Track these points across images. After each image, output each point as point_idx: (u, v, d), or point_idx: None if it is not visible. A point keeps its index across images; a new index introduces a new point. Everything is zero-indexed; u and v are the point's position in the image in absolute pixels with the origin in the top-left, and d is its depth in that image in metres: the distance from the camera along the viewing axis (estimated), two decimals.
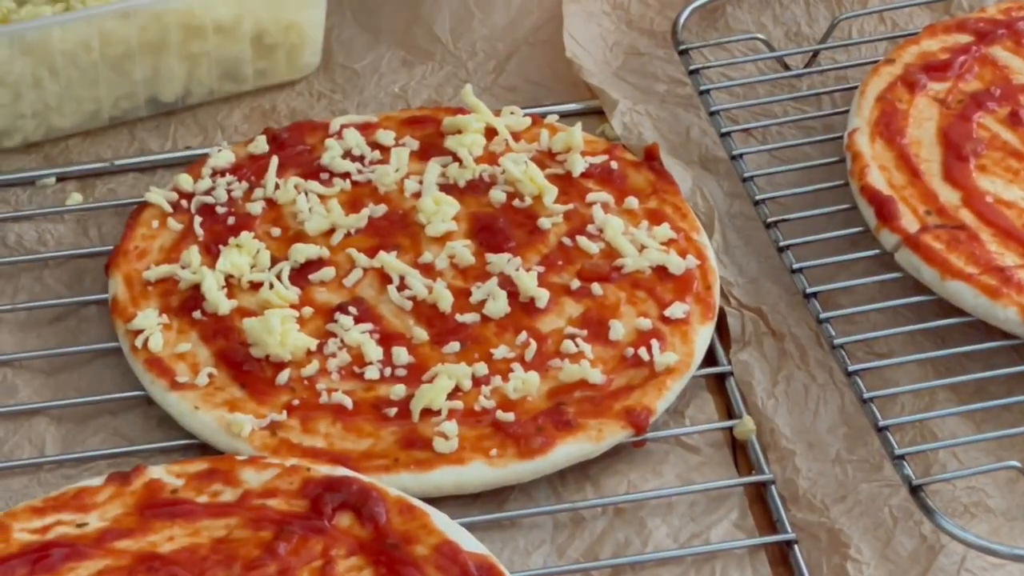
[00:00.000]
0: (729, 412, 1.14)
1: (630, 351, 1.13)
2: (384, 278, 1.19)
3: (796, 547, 1.05)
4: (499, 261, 1.19)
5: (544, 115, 1.31)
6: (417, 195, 1.24)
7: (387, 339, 1.15)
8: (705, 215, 1.25)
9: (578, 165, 1.25)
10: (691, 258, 1.19)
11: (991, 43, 1.30)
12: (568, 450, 1.09)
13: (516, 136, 1.28)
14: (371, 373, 1.13)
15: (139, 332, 1.15)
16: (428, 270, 1.19)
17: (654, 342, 1.13)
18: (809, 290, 1.17)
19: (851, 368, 1.12)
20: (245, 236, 1.21)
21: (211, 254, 1.20)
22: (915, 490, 1.04)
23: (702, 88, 1.33)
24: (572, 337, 1.14)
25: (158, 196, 1.24)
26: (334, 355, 1.14)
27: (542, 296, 1.16)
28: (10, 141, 1.32)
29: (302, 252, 1.20)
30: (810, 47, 1.38)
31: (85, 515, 1.03)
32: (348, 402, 1.11)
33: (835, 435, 1.11)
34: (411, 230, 1.22)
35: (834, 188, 1.24)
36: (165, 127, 1.35)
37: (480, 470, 1.08)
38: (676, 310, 1.16)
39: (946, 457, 1.08)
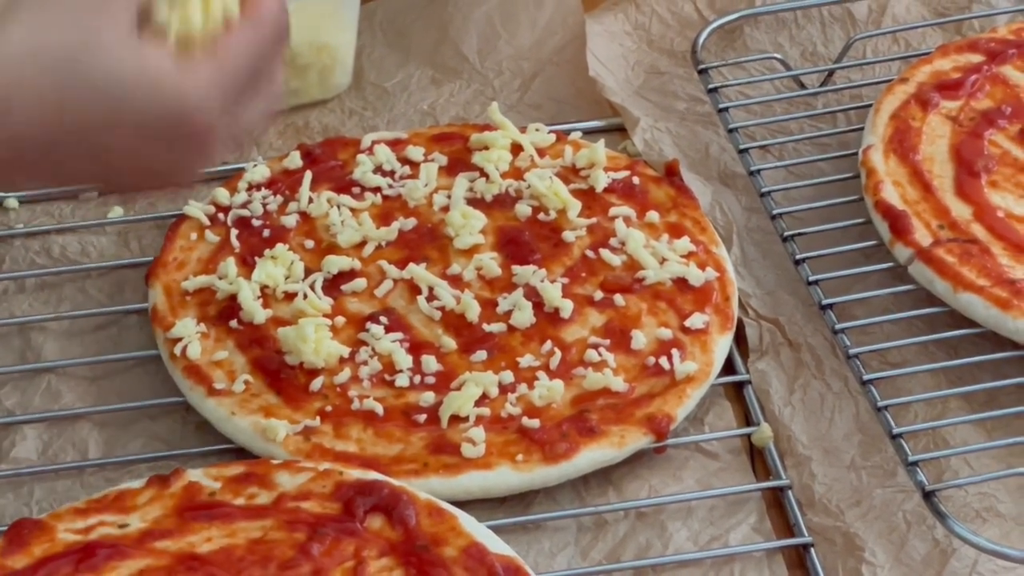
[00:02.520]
0: (747, 419, 1.14)
1: (651, 360, 1.13)
2: (414, 289, 1.19)
3: (812, 550, 1.05)
4: (525, 273, 1.19)
5: (568, 132, 1.31)
6: (445, 209, 1.24)
7: (417, 348, 1.15)
8: (724, 229, 1.25)
9: (601, 180, 1.25)
10: (710, 270, 1.19)
11: (1002, 62, 1.30)
12: (591, 456, 1.09)
13: (541, 152, 1.28)
14: (401, 381, 1.13)
15: (178, 340, 1.15)
16: (456, 281, 1.19)
17: (674, 351, 1.13)
18: (825, 301, 1.17)
19: (866, 377, 1.12)
20: (280, 248, 1.21)
21: (247, 265, 1.20)
22: (928, 495, 1.04)
23: (721, 106, 1.33)
24: (595, 346, 1.14)
25: (196, 209, 1.25)
26: (365, 363, 1.14)
27: (566, 307, 1.16)
28: None
29: (335, 264, 1.20)
30: (826, 66, 1.38)
31: (126, 516, 1.03)
32: (379, 408, 1.11)
33: (850, 442, 1.11)
34: (440, 243, 1.22)
35: (849, 203, 1.23)
36: None
37: (506, 474, 1.08)
38: (696, 320, 1.16)
39: (958, 464, 1.08)
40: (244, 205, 1.25)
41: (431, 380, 1.13)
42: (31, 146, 0.84)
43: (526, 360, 1.14)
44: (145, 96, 0.85)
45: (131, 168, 0.88)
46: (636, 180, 1.26)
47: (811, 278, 1.19)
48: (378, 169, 1.27)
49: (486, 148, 1.28)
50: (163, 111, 0.85)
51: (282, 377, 1.13)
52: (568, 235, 1.22)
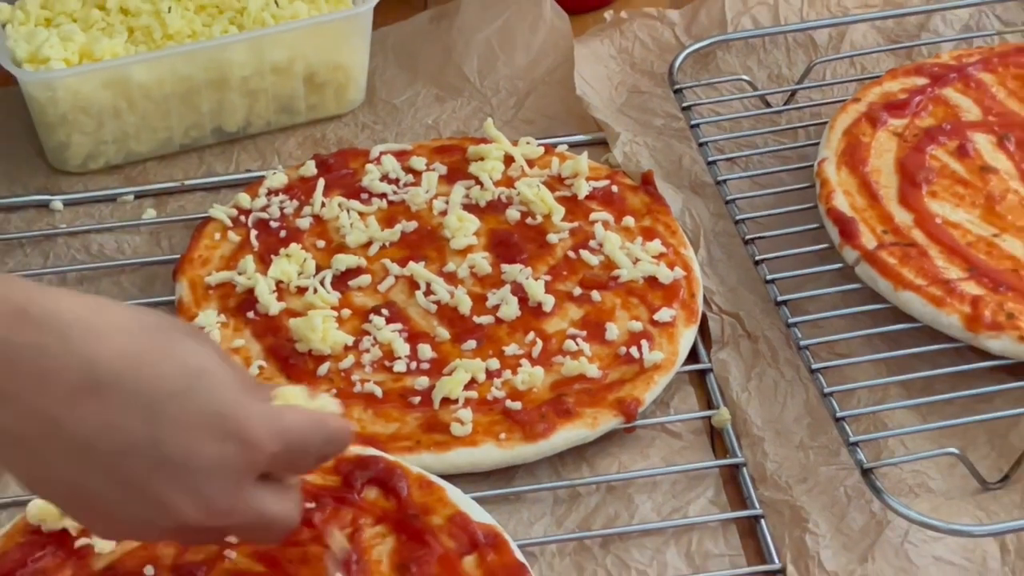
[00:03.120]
0: (708, 403, 1.15)
1: (623, 350, 1.14)
2: (413, 285, 1.19)
3: (763, 521, 1.06)
4: (512, 271, 1.19)
5: (555, 145, 1.31)
6: (443, 213, 1.24)
7: (414, 337, 1.15)
8: (692, 232, 1.25)
9: (583, 189, 1.26)
10: (678, 270, 1.19)
11: (944, 85, 1.30)
12: (567, 435, 1.09)
13: (531, 163, 1.29)
14: (399, 367, 1.13)
15: (201, 329, 1.15)
16: (451, 278, 1.20)
17: (644, 342, 1.14)
18: (780, 298, 1.17)
19: (814, 366, 1.12)
20: (294, 247, 1.21)
21: (264, 262, 1.21)
22: (866, 473, 1.04)
23: (693, 122, 1.33)
24: (573, 337, 1.15)
25: (220, 212, 1.25)
26: (367, 351, 1.14)
27: (548, 301, 1.17)
28: (95, 164, 1.33)
29: (343, 261, 1.20)
30: (789, 87, 1.38)
31: None
32: (378, 391, 1.11)
33: (799, 424, 1.12)
34: (437, 243, 1.23)
35: (804, 210, 1.24)
36: (228, 153, 1.36)
37: (491, 451, 1.08)
38: (664, 315, 1.16)
39: (894, 444, 1.08)
40: (263, 208, 1.26)
41: (426, 366, 1.13)
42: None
43: (511, 349, 1.14)
44: (217, 395, 0.81)
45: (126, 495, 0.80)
46: (615, 188, 1.26)
47: (768, 277, 1.19)
48: (384, 177, 1.28)
49: (482, 159, 1.28)
50: (221, 416, 0.81)
51: (292, 363, 1.14)
52: (552, 237, 1.22)
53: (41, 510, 1.02)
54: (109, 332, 0.79)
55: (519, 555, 1.00)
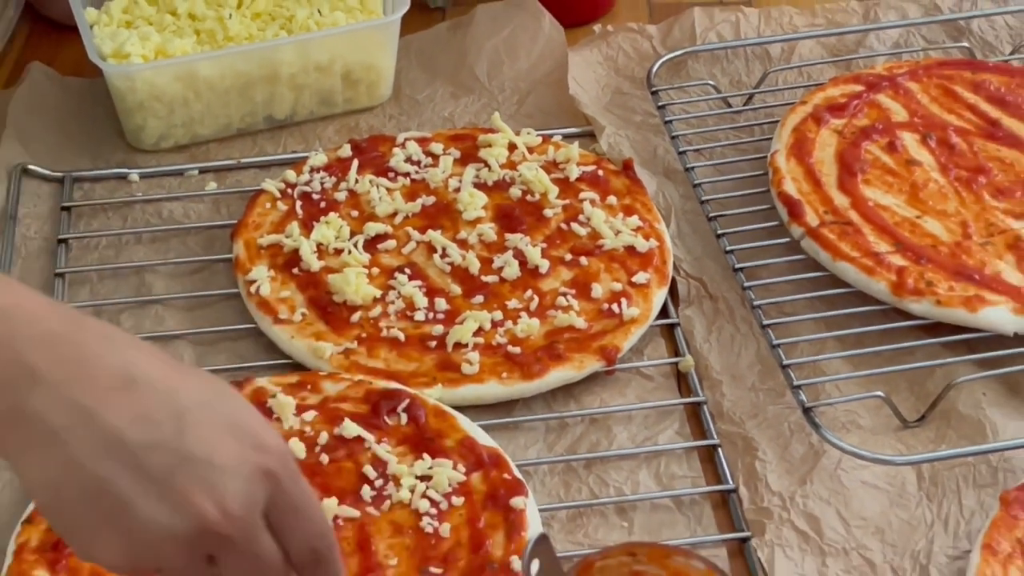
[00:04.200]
0: (676, 352, 1.15)
1: (606, 306, 1.14)
2: (431, 249, 1.20)
3: (719, 450, 1.07)
4: (514, 239, 1.20)
5: (551, 135, 1.32)
6: (457, 190, 1.25)
7: (431, 292, 1.16)
8: (664, 210, 1.26)
9: (574, 172, 1.26)
10: (653, 241, 1.20)
11: (877, 91, 1.30)
12: (558, 375, 1.10)
13: (530, 150, 1.29)
14: (419, 316, 1.14)
15: (253, 282, 1.16)
16: (463, 244, 1.20)
17: (623, 300, 1.14)
18: (737, 266, 1.18)
19: (765, 323, 1.13)
20: (332, 216, 1.22)
21: (307, 228, 1.21)
22: (807, 411, 1.05)
23: (667, 119, 1.33)
24: (564, 295, 1.15)
25: (271, 185, 1.25)
26: (393, 302, 1.15)
27: (544, 265, 1.17)
28: (166, 144, 1.34)
29: (373, 228, 1.21)
30: (747, 91, 1.38)
31: None
32: (401, 336, 1.12)
33: (751, 370, 1.12)
34: (452, 215, 1.23)
35: (758, 193, 1.24)
36: (278, 137, 1.36)
37: (494, 387, 1.09)
38: (640, 277, 1.17)
39: (830, 388, 1.09)
40: (307, 183, 1.26)
41: (441, 316, 1.14)
42: None
43: (512, 303, 1.15)
44: (238, 403, 0.76)
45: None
46: (600, 172, 1.27)
47: (728, 248, 1.19)
48: (408, 159, 1.28)
49: (490, 146, 1.29)
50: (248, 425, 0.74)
51: (330, 311, 1.14)
52: (548, 212, 1.23)
53: None
54: (146, 347, 0.75)
55: (517, 473, 1.01)
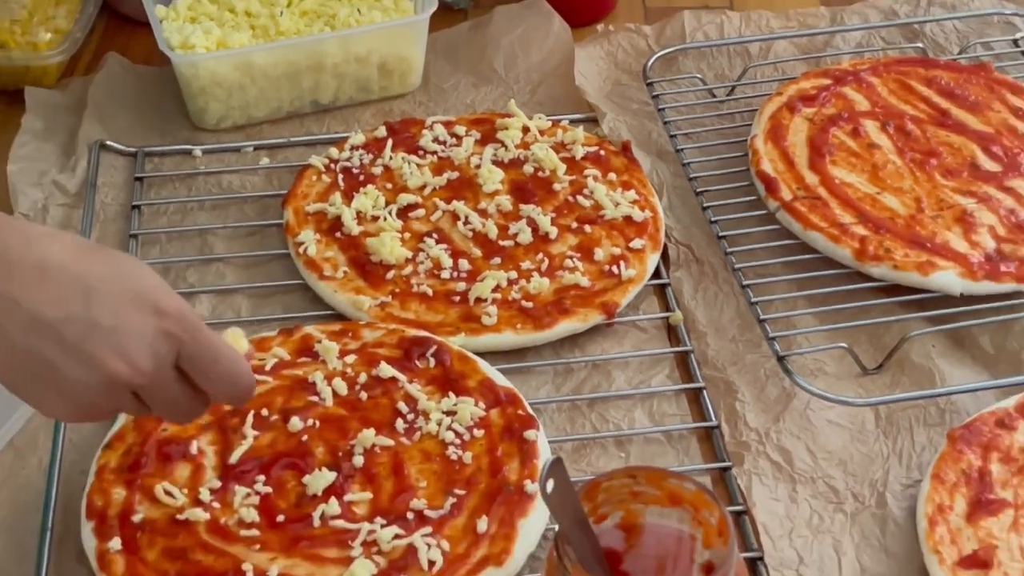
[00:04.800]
0: (667, 308, 1.16)
1: (606, 267, 1.15)
2: (455, 217, 1.20)
3: (704, 392, 1.08)
4: (527, 209, 1.20)
5: (560, 120, 1.32)
6: (478, 167, 1.25)
7: (456, 254, 1.16)
8: (657, 186, 1.26)
9: (579, 152, 1.26)
10: (648, 212, 1.20)
11: (843, 85, 1.30)
12: (565, 326, 1.10)
13: (542, 132, 1.29)
14: (444, 275, 1.14)
15: (301, 244, 1.17)
16: (483, 213, 1.20)
17: (621, 263, 1.15)
18: (720, 234, 1.18)
19: (744, 283, 1.13)
20: (370, 187, 1.22)
21: (348, 198, 1.21)
22: (780, 359, 1.06)
23: (660, 107, 1.33)
24: (570, 257, 1.16)
25: (316, 161, 1.26)
26: (422, 262, 1.15)
27: (553, 232, 1.18)
28: (225, 124, 1.34)
29: (405, 199, 1.21)
30: (730, 83, 1.38)
31: (264, 354, 1.06)
32: (430, 291, 1.12)
33: (732, 324, 1.13)
34: (473, 188, 1.23)
35: (739, 172, 1.24)
36: (322, 119, 1.36)
37: (510, 337, 1.10)
38: (636, 243, 1.17)
39: (801, 340, 1.10)
40: (348, 159, 1.26)
41: (464, 275, 1.14)
42: None
43: (526, 264, 1.15)
44: (139, 273, 0.80)
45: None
46: (602, 152, 1.27)
47: (712, 219, 1.20)
48: (435, 139, 1.28)
49: (506, 128, 1.29)
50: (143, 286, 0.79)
51: (368, 269, 1.14)
52: (556, 186, 1.23)
53: None
54: (61, 238, 0.80)
55: (529, 410, 1.02)
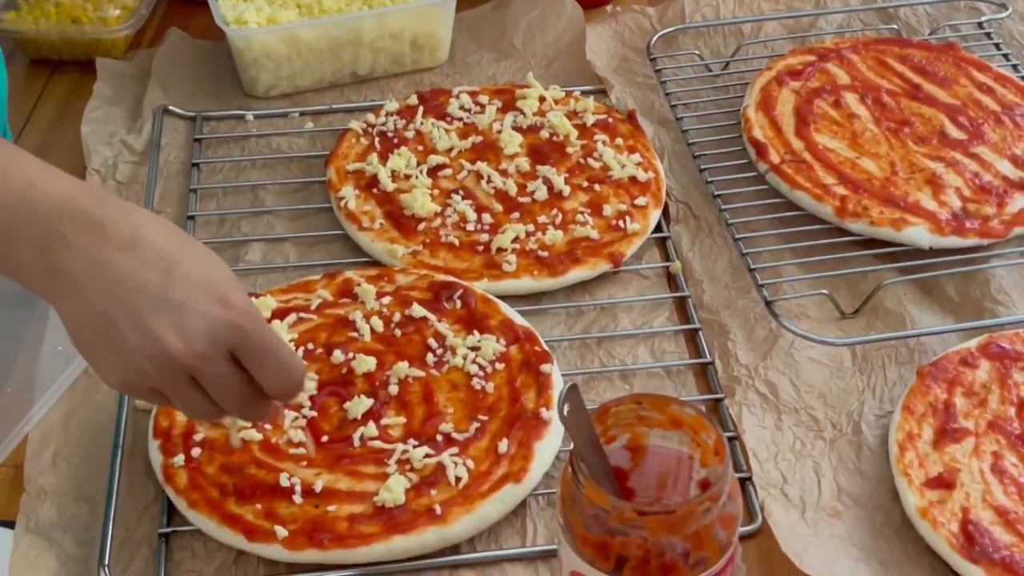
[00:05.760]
0: (667, 258, 1.15)
1: (614, 222, 1.14)
2: (479, 176, 1.19)
3: (700, 332, 1.07)
4: (544, 170, 1.19)
5: (572, 91, 1.31)
6: (499, 132, 1.24)
7: (479, 209, 1.16)
8: (660, 150, 1.25)
9: (590, 119, 1.25)
10: (650, 173, 1.19)
11: (826, 61, 1.29)
12: (577, 274, 1.10)
13: (556, 102, 1.28)
14: (469, 227, 1.14)
15: (342, 199, 1.16)
16: (504, 173, 1.20)
17: (627, 218, 1.14)
18: (716, 193, 1.17)
19: (737, 236, 1.13)
20: (403, 150, 1.21)
21: (384, 158, 1.21)
22: (768, 304, 1.06)
23: (662, 80, 1.32)
24: (582, 213, 1.15)
25: (355, 125, 1.25)
26: (449, 216, 1.15)
27: (566, 190, 1.17)
28: (274, 92, 1.33)
29: (434, 160, 1.20)
30: (724, 59, 1.37)
31: (310, 295, 1.06)
32: (456, 242, 1.12)
33: (725, 273, 1.12)
34: (495, 151, 1.22)
35: (733, 138, 1.23)
36: (360, 89, 1.35)
37: (528, 282, 1.09)
38: (641, 201, 1.16)
39: (787, 287, 1.09)
40: (383, 124, 1.25)
41: (486, 227, 1.14)
42: None
43: (541, 219, 1.15)
44: (217, 265, 0.79)
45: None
46: (610, 120, 1.26)
47: (708, 180, 1.19)
48: (461, 107, 1.28)
49: (524, 98, 1.28)
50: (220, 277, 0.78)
51: (402, 222, 1.14)
52: (569, 149, 1.22)
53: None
54: (156, 219, 0.78)
55: (545, 346, 1.02)
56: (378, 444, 0.94)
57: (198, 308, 0.76)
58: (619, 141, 1.23)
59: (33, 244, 0.75)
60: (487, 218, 1.15)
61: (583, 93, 1.31)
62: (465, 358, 1.00)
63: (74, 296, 0.75)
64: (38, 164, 0.77)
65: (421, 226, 1.14)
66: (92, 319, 0.76)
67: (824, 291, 1.07)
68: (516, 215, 1.15)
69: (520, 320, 1.04)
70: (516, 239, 1.12)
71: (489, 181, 1.19)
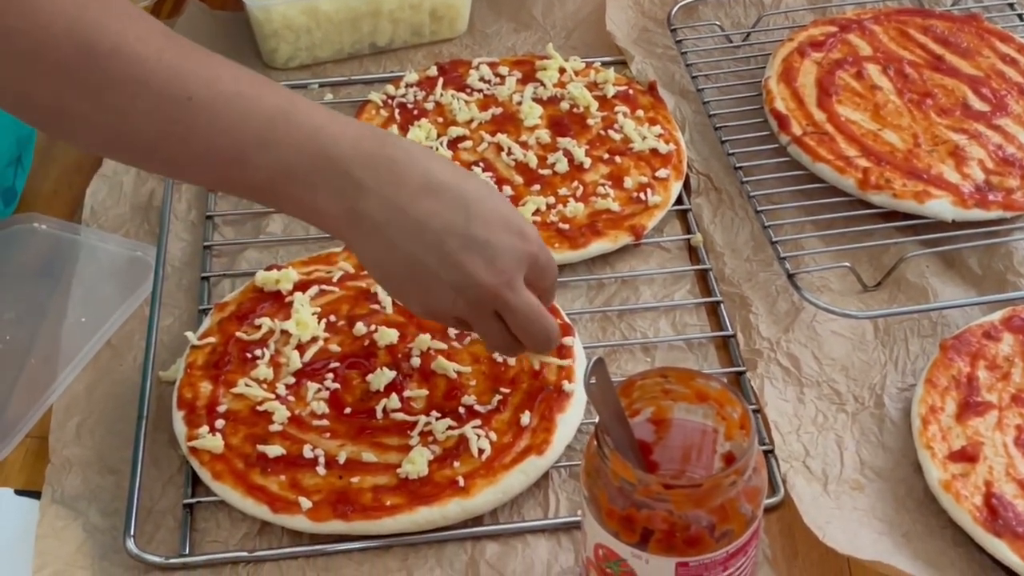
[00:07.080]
0: (688, 230, 1.15)
1: (635, 194, 1.14)
2: (499, 148, 1.19)
3: (722, 305, 1.07)
4: (564, 141, 1.19)
5: (593, 62, 1.30)
6: (519, 103, 1.24)
7: (500, 181, 1.16)
8: (680, 122, 1.24)
9: (611, 91, 1.25)
10: (672, 145, 1.19)
11: (848, 32, 1.28)
12: (598, 246, 1.10)
13: (577, 73, 1.28)
14: None
15: None
16: (524, 145, 1.19)
17: (648, 190, 1.14)
18: (737, 165, 1.17)
19: (758, 208, 1.12)
20: (423, 121, 1.21)
21: (404, 130, 1.21)
22: (790, 277, 1.05)
23: (682, 51, 1.31)
24: (603, 185, 1.15)
25: (375, 97, 1.25)
26: None
27: (587, 162, 1.17)
28: (293, 63, 1.33)
29: (454, 131, 1.20)
30: (745, 30, 1.36)
31: (331, 267, 1.06)
32: None
33: (747, 246, 1.12)
34: (515, 122, 1.22)
35: (754, 110, 1.22)
36: (380, 60, 1.35)
37: None
38: (662, 173, 1.16)
39: (808, 260, 1.08)
40: (403, 96, 1.25)
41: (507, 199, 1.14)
42: None
43: (562, 191, 1.14)
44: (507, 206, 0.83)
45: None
46: (631, 91, 1.25)
47: (730, 152, 1.18)
48: (481, 79, 1.27)
49: (545, 69, 1.28)
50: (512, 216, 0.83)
51: None
52: (590, 121, 1.22)
53: (264, 277, 1.03)
54: (437, 157, 0.81)
55: (566, 319, 1.02)
56: (401, 416, 0.94)
57: (502, 242, 0.80)
58: (640, 113, 1.23)
59: (329, 189, 0.77)
60: (507, 190, 1.14)
61: (603, 64, 1.30)
62: None
63: (377, 240, 0.78)
64: (318, 107, 0.79)
65: None
66: (399, 260, 0.79)
67: (846, 264, 1.07)
68: (536, 187, 1.15)
69: None
70: (537, 211, 1.12)
71: (509, 153, 1.18)
